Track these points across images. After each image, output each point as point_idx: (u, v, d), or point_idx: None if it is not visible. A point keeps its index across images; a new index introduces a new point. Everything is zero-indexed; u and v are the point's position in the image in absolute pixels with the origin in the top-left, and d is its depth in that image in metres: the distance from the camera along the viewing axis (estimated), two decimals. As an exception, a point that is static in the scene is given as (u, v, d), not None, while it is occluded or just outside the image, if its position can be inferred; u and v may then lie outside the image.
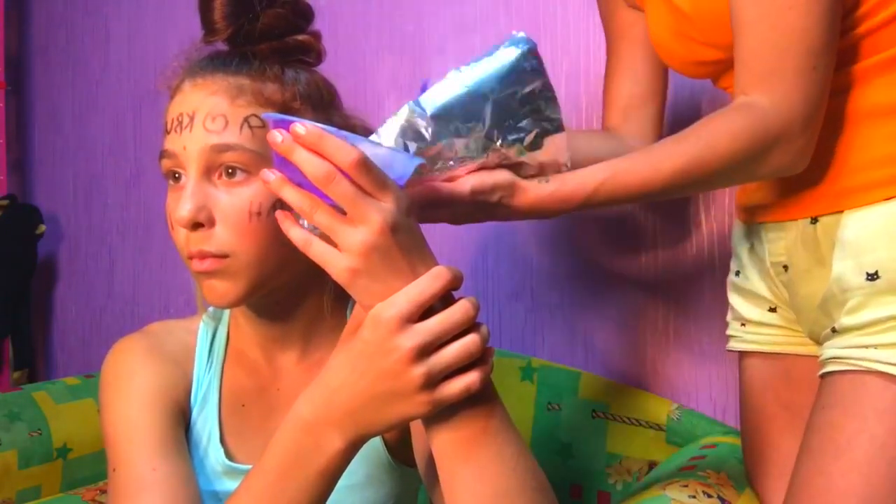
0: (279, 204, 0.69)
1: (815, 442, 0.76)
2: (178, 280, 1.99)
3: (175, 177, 0.71)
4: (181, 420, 0.78)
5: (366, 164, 0.54)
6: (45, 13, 2.39)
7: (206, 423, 0.80)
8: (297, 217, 0.59)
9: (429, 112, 0.64)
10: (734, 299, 0.98)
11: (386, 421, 0.59)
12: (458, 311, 0.57)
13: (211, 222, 0.69)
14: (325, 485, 0.62)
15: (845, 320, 0.78)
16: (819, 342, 0.84)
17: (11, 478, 1.29)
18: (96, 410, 1.43)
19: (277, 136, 0.55)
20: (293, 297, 0.78)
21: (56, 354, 2.38)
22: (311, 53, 0.76)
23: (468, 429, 0.60)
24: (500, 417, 0.61)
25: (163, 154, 0.72)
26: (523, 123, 0.68)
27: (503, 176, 0.69)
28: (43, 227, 2.24)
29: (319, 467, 0.61)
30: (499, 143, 0.68)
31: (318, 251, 0.56)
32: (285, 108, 0.71)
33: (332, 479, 0.62)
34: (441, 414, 0.59)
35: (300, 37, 0.74)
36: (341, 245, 0.55)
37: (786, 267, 0.88)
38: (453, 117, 0.65)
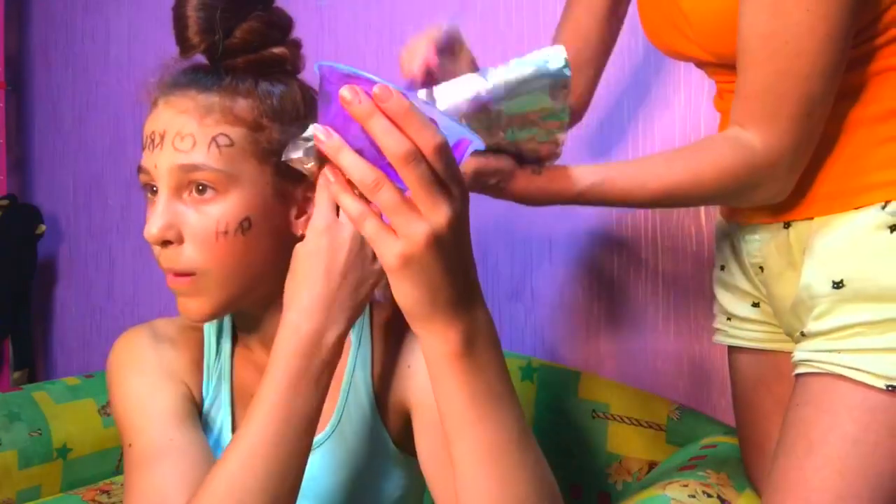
0: (245, 224, 0.70)
1: (790, 438, 0.78)
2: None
3: (153, 190, 0.72)
4: (193, 402, 0.79)
5: (447, 150, 0.52)
6: (45, 13, 2.39)
7: (218, 413, 0.81)
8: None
9: (441, 108, 0.65)
10: (720, 293, 0.99)
11: (363, 297, 0.67)
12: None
13: (180, 240, 0.70)
14: (331, 373, 0.67)
15: (812, 326, 0.80)
16: (794, 341, 0.86)
17: (11, 478, 1.29)
18: (96, 410, 1.43)
19: (352, 95, 0.50)
20: (272, 307, 0.78)
21: (56, 354, 2.38)
22: (287, 65, 0.76)
23: (495, 435, 0.60)
24: (523, 426, 0.62)
25: (139, 169, 0.73)
26: (532, 127, 0.70)
27: (504, 162, 0.72)
28: (43, 227, 2.25)
29: (324, 359, 0.66)
30: (503, 136, 0.69)
31: (371, 230, 0.53)
32: (255, 126, 0.72)
33: (334, 367, 0.67)
34: (464, 421, 0.59)
35: (276, 49, 0.74)
36: (402, 230, 0.52)
37: (762, 268, 0.90)
38: (466, 114, 0.66)
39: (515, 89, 0.67)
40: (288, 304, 0.67)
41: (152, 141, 0.71)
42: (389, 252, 0.53)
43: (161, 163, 0.70)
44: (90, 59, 2.26)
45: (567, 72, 0.67)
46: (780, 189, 0.79)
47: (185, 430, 0.74)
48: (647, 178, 0.77)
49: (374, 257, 0.67)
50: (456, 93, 0.66)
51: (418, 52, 0.71)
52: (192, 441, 0.73)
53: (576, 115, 1.01)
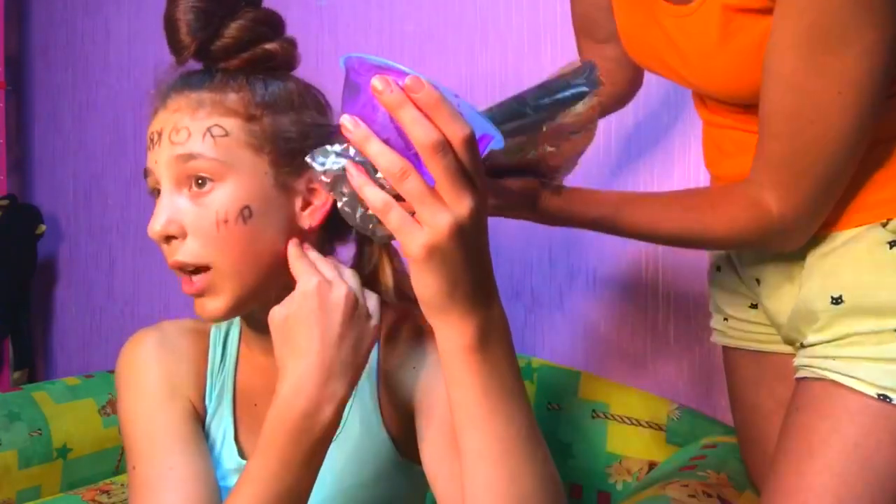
0: (246, 212, 0.70)
1: (790, 442, 0.78)
2: (178, 280, 1.99)
3: (159, 193, 0.73)
4: (196, 416, 0.80)
5: (473, 143, 0.53)
6: (45, 13, 2.39)
7: (220, 423, 0.81)
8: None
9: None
10: (716, 293, 0.99)
11: (363, 357, 0.67)
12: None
13: (182, 234, 0.71)
14: (326, 447, 0.67)
15: (812, 338, 0.80)
16: (794, 349, 0.86)
17: (11, 478, 1.29)
18: (96, 410, 1.43)
19: (383, 85, 0.51)
20: None
21: (56, 354, 2.38)
22: (278, 62, 0.76)
23: (505, 430, 0.60)
24: (533, 422, 0.62)
25: (144, 173, 0.74)
26: (560, 143, 0.71)
27: (532, 182, 0.74)
28: (43, 227, 2.24)
29: (318, 437, 0.66)
30: (533, 153, 0.70)
31: (396, 220, 0.53)
32: (248, 117, 0.72)
33: (329, 441, 0.67)
34: (475, 414, 0.60)
35: (267, 46, 0.74)
36: (427, 220, 0.52)
37: (758, 280, 0.90)
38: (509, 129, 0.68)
39: (552, 102, 0.68)
40: (281, 374, 0.66)
41: (151, 141, 0.73)
42: (414, 242, 0.53)
43: (160, 158, 0.71)
44: (90, 59, 2.26)
45: (598, 83, 0.68)
46: (791, 247, 0.79)
47: (187, 454, 0.75)
48: (661, 221, 0.78)
49: (369, 315, 0.69)
50: (501, 111, 0.67)
51: None
52: (192, 468, 0.74)
53: (624, 94, 1.06)
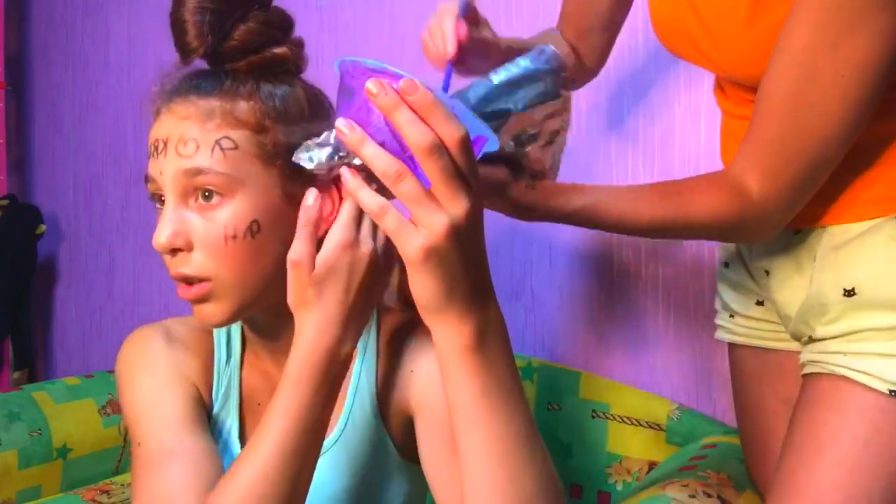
0: (254, 227, 0.69)
1: (798, 438, 0.77)
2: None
3: (161, 200, 0.72)
4: (203, 406, 0.80)
5: (468, 144, 0.53)
6: (45, 13, 2.39)
7: (227, 419, 0.81)
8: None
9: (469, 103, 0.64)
10: (723, 290, 0.99)
11: (373, 306, 0.71)
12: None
13: (189, 246, 0.70)
14: (340, 383, 0.69)
15: (821, 331, 0.80)
16: (801, 344, 0.86)
17: (11, 478, 1.29)
18: (96, 410, 1.43)
19: (377, 88, 0.51)
20: (284, 313, 0.77)
21: (56, 354, 2.38)
22: (288, 66, 0.75)
23: (504, 430, 0.60)
24: (532, 422, 0.62)
25: (146, 178, 0.73)
26: (535, 131, 0.69)
27: (501, 172, 0.72)
28: (43, 227, 2.25)
29: (336, 372, 0.68)
30: (506, 139, 0.69)
31: (393, 223, 0.54)
32: (258, 128, 0.71)
33: (343, 378, 0.69)
34: (474, 415, 0.60)
35: (277, 50, 0.73)
36: (423, 222, 0.53)
37: (767, 272, 0.90)
38: (482, 110, 0.66)
39: (518, 83, 0.67)
40: (302, 317, 0.67)
41: (156, 149, 0.71)
42: (411, 245, 0.53)
43: (166, 169, 0.70)
44: (90, 59, 2.26)
45: (561, 58, 0.67)
46: (762, 237, 0.79)
47: (194, 433, 0.74)
48: (640, 210, 0.76)
49: (385, 271, 0.69)
50: (478, 90, 0.66)
51: (447, 31, 0.71)
52: (201, 444, 0.73)
53: (592, 72, 1.04)
